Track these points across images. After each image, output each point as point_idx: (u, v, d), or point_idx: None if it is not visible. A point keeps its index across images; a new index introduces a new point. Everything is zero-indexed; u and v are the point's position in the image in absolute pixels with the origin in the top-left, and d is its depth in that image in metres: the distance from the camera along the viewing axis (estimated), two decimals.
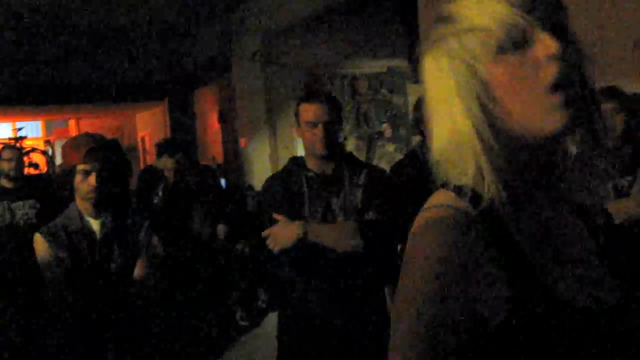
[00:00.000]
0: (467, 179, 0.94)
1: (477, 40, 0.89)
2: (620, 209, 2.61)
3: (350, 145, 7.06)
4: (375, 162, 6.92)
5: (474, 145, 0.91)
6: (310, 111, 2.58)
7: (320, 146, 2.56)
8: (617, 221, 2.51)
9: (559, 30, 0.87)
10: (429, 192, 3.18)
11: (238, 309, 5.59)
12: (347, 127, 7.11)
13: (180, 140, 6.91)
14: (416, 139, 3.20)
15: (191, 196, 5.16)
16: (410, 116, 3.52)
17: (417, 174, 3.20)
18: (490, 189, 0.91)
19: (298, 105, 2.65)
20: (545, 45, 0.85)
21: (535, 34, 0.86)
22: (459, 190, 0.96)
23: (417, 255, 0.93)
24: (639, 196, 2.72)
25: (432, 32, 0.99)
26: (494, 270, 0.90)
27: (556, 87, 0.85)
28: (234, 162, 8.27)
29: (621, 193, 2.78)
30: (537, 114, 0.87)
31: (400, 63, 7.17)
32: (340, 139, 2.75)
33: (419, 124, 3.24)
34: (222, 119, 8.66)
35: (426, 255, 0.91)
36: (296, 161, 2.75)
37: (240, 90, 7.68)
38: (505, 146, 0.90)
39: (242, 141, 7.73)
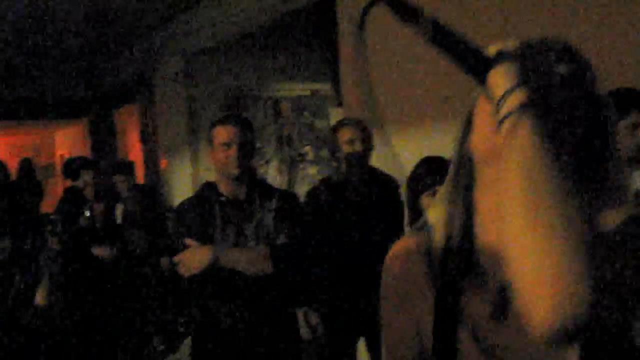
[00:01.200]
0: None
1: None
2: None
3: (273, 168, 7.07)
4: (297, 185, 6.95)
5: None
6: (223, 133, 2.61)
7: (234, 166, 2.60)
8: None
9: None
10: (344, 217, 3.22)
11: (157, 333, 5.46)
12: (269, 149, 7.13)
13: (93, 159, 6.77)
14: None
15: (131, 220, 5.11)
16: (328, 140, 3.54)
17: (332, 199, 3.23)
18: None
19: (211, 128, 2.68)
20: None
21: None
22: (420, 228, 1.10)
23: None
24: None
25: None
26: (429, 296, 1.01)
27: None
28: (155, 182, 8.13)
29: None
30: None
31: (323, 87, 7.25)
32: (252, 163, 2.77)
33: (335, 149, 3.27)
34: (144, 138, 8.51)
35: (381, 283, 1.11)
36: (209, 186, 2.76)
37: (162, 110, 7.58)
38: None
39: (163, 162, 7.61)
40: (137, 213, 5.20)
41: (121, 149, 9.90)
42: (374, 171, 3.34)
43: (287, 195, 2.83)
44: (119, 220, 5.18)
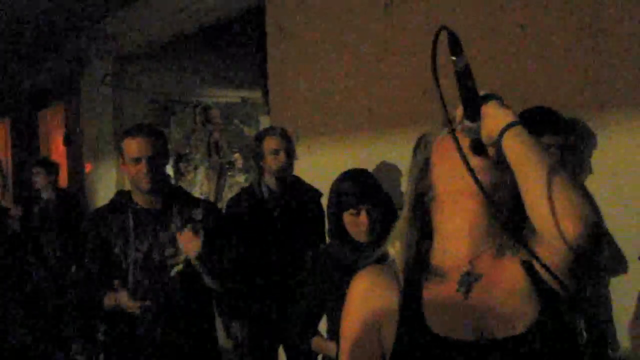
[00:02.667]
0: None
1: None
2: None
3: (201, 175, 7.00)
4: (225, 192, 6.91)
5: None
6: (133, 146, 2.52)
7: (145, 182, 2.53)
8: None
9: None
10: (265, 226, 3.19)
11: (75, 341, 5.30)
12: (198, 156, 7.06)
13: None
14: None
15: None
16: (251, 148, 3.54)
17: (253, 208, 3.23)
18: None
19: (121, 140, 2.59)
20: None
21: None
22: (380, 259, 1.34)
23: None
24: None
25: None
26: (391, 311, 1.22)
27: None
28: (78, 186, 7.92)
29: None
30: None
31: (253, 94, 7.24)
32: (166, 173, 2.74)
33: (258, 157, 3.27)
34: (68, 141, 8.29)
35: (348, 296, 1.32)
36: (122, 194, 2.71)
37: (88, 113, 7.40)
38: None
39: (88, 166, 7.42)
40: (56, 217, 5.08)
41: (44, 151, 9.61)
42: (297, 181, 3.36)
43: (212, 209, 2.80)
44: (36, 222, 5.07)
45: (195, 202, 2.78)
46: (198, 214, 2.63)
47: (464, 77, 1.23)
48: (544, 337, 1.10)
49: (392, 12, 3.57)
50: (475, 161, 1.18)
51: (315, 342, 2.43)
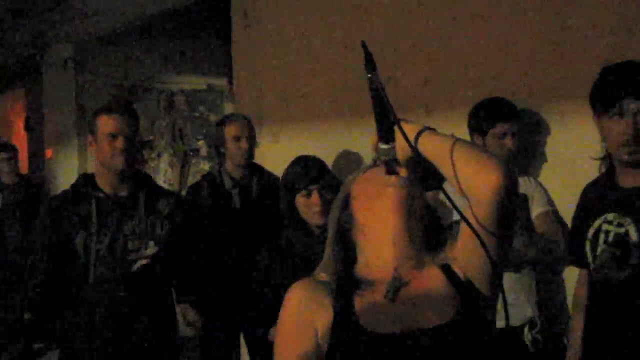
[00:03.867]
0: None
1: None
2: None
3: (164, 162, 6.93)
4: (189, 180, 6.85)
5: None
6: (110, 122, 2.43)
7: (120, 160, 2.43)
8: None
9: None
10: (225, 214, 3.14)
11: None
12: (161, 143, 6.99)
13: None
14: None
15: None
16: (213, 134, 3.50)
17: (213, 196, 3.21)
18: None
19: (95, 117, 2.49)
20: None
21: None
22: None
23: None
24: None
25: None
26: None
27: None
28: (39, 172, 7.78)
29: None
30: None
31: (219, 81, 7.19)
32: (138, 157, 2.68)
33: (219, 144, 3.25)
34: (29, 126, 8.13)
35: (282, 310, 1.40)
36: (86, 179, 2.58)
37: (50, 97, 7.27)
38: None
39: (49, 151, 7.30)
40: (16, 204, 4.99)
41: (4, 136, 9.42)
42: (258, 168, 3.35)
43: (180, 201, 2.75)
44: None
45: (163, 193, 2.70)
46: (165, 209, 2.58)
47: (376, 99, 1.32)
48: (463, 328, 1.22)
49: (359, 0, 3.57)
50: (391, 179, 1.35)
51: (274, 330, 2.42)
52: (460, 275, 1.30)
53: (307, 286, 1.39)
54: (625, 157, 1.92)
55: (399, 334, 1.21)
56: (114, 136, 2.43)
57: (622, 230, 1.90)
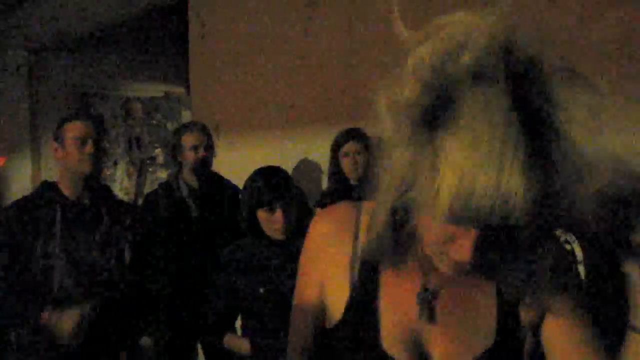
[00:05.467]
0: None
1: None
2: None
3: (121, 170, 6.84)
4: (146, 189, 6.77)
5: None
6: (79, 128, 2.44)
7: (88, 164, 2.42)
8: None
9: None
10: (183, 223, 3.10)
11: None
12: (118, 151, 6.90)
13: None
14: None
15: None
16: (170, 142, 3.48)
17: (170, 205, 3.19)
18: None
19: (62, 124, 2.48)
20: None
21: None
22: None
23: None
24: None
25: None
26: (342, 267, 1.05)
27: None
28: None
29: None
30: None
31: (177, 89, 7.14)
32: (103, 166, 2.67)
33: (176, 153, 3.23)
34: None
35: (305, 240, 1.14)
36: (50, 186, 2.54)
37: (2, 105, 7.10)
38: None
39: (2, 159, 7.13)
40: None
41: None
42: (216, 177, 3.34)
43: (138, 215, 2.73)
44: None
45: (123, 206, 2.69)
46: (127, 220, 2.56)
47: None
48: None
49: (314, 9, 3.59)
50: None
51: (228, 339, 2.42)
52: (521, 321, 1.03)
53: (334, 217, 1.10)
54: None
55: None
56: (83, 141, 2.44)
57: (568, 247, 1.95)
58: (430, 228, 0.87)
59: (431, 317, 1.01)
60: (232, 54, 4.14)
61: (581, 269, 1.89)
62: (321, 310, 1.08)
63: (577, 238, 1.91)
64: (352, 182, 3.12)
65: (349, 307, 1.02)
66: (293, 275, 2.27)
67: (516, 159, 0.71)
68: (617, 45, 2.40)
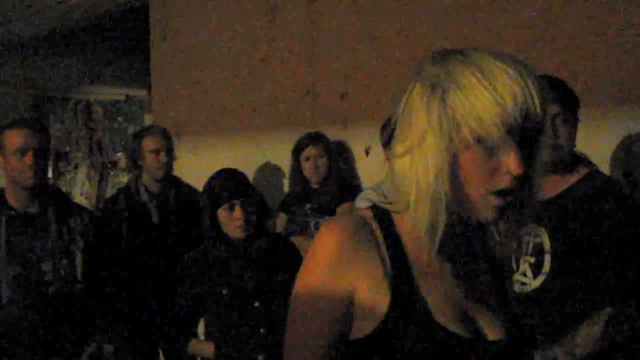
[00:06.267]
0: (399, 205, 1.04)
1: (462, 119, 0.95)
2: None
3: (81, 174, 6.76)
4: (107, 193, 6.70)
5: (432, 192, 0.97)
6: (18, 138, 2.35)
7: (29, 176, 2.35)
8: None
9: (527, 139, 0.98)
10: (143, 228, 3.06)
11: None
12: (78, 155, 6.81)
13: None
14: None
15: None
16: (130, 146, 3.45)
17: (130, 210, 3.17)
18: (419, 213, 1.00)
19: (2, 133, 2.39)
20: (510, 163, 0.94)
21: (506, 146, 0.95)
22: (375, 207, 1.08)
23: (312, 250, 1.04)
24: None
25: (438, 63, 1.02)
26: (377, 271, 1.01)
27: (499, 193, 0.97)
28: None
29: None
30: (478, 204, 0.98)
31: (139, 92, 7.08)
32: (48, 172, 2.60)
33: (136, 157, 3.21)
34: None
35: (317, 250, 1.03)
36: None
37: None
38: (450, 203, 0.99)
39: None
40: None
41: None
42: (176, 182, 3.33)
43: (91, 217, 2.67)
44: None
45: (76, 209, 2.63)
46: (77, 226, 2.51)
47: None
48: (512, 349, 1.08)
49: (276, 14, 3.61)
50: None
51: (192, 344, 2.42)
52: None
53: (352, 227, 1.03)
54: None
55: (471, 340, 1.02)
56: (22, 151, 2.34)
57: (538, 240, 2.00)
58: (475, 175, 0.97)
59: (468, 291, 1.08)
60: (193, 57, 4.13)
61: (547, 258, 1.94)
62: (348, 321, 1.02)
63: (546, 229, 1.97)
64: (314, 185, 3.14)
65: (394, 305, 1.00)
66: (255, 275, 2.30)
67: None
68: None
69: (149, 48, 4.53)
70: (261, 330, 2.26)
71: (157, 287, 3.11)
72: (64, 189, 5.98)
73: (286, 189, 3.41)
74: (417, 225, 1.00)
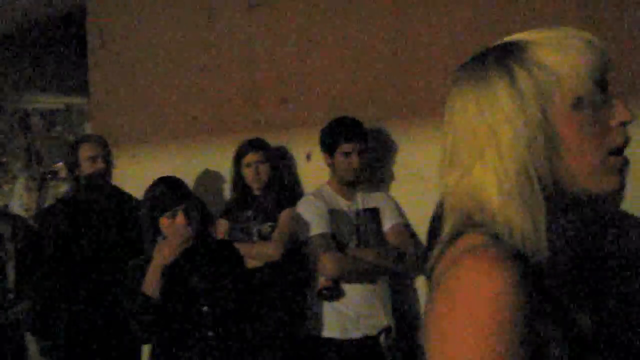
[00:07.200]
0: (493, 224, 0.86)
1: (555, 85, 0.85)
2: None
3: (20, 185, 6.57)
4: (47, 203, 6.53)
5: (519, 188, 0.84)
6: None
7: None
8: None
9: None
10: (82, 238, 3.00)
11: None
12: (16, 165, 6.63)
13: None
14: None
15: None
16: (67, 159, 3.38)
17: (69, 219, 3.10)
18: (529, 235, 0.84)
19: None
20: (619, 111, 0.86)
21: (605, 98, 0.87)
22: (495, 235, 0.85)
23: (473, 300, 0.78)
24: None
25: (483, 56, 0.91)
26: (550, 312, 0.83)
27: (618, 151, 0.87)
28: None
29: (264, 237, 3.02)
30: (597, 173, 0.86)
31: (78, 100, 6.93)
32: None
33: (73, 166, 3.15)
34: None
35: (489, 297, 0.77)
36: None
37: None
38: (549, 197, 0.86)
39: None
40: None
41: None
42: (115, 190, 3.27)
43: (19, 223, 2.62)
44: None
45: (3, 216, 2.59)
46: (5, 230, 2.46)
47: None
48: None
49: (215, 20, 3.59)
50: None
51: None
52: None
53: (516, 266, 0.80)
54: None
55: None
56: None
57: None
58: (587, 140, 0.86)
59: None
60: (132, 64, 4.07)
61: None
62: None
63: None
64: (255, 191, 3.13)
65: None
66: (201, 280, 2.28)
67: None
68: None
69: (87, 55, 4.45)
70: (209, 334, 2.27)
71: (96, 297, 3.05)
72: (0, 202, 5.82)
73: (228, 196, 3.39)
74: (514, 233, 0.84)
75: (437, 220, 2.28)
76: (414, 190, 2.85)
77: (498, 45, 0.91)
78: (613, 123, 0.86)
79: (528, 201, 0.84)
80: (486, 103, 0.86)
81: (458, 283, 0.80)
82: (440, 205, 0.93)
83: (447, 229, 0.91)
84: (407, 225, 2.84)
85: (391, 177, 2.95)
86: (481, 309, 0.77)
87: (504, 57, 0.88)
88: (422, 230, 2.79)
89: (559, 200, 0.88)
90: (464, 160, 0.89)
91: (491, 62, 0.88)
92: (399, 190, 2.93)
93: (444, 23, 2.69)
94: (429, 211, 2.41)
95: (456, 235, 0.88)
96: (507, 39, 0.92)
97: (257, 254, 2.92)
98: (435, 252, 0.89)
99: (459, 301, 0.79)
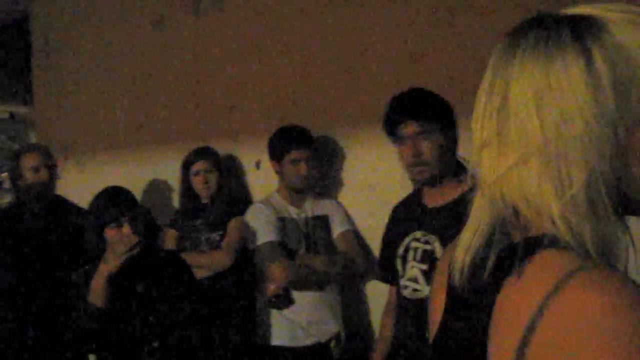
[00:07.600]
0: (556, 232, 0.73)
1: (635, 81, 0.71)
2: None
3: None
4: None
5: (585, 193, 0.72)
6: None
7: None
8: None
9: None
10: (25, 249, 2.91)
11: None
12: None
13: None
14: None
15: None
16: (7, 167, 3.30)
17: (11, 231, 3.03)
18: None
19: None
20: None
21: None
22: (579, 249, 0.72)
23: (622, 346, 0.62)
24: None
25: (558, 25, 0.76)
26: None
27: None
28: None
29: (213, 246, 3.00)
30: None
31: (22, 109, 6.77)
32: None
33: (15, 176, 3.06)
34: None
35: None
36: None
37: None
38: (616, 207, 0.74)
39: None
40: None
41: None
42: (59, 200, 3.20)
43: None
44: None
45: None
46: None
47: None
48: None
49: (162, 28, 3.56)
50: None
51: None
52: None
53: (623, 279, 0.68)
54: (413, 177, 2.09)
55: None
56: None
57: (429, 247, 2.05)
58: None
59: None
60: (78, 72, 4.00)
61: None
62: None
63: (437, 237, 2.02)
64: (204, 200, 3.10)
65: None
66: (147, 291, 2.25)
67: None
68: None
69: (29, 64, 4.35)
70: (154, 344, 2.24)
71: (43, 308, 2.98)
72: None
73: (176, 205, 3.36)
74: (587, 246, 0.71)
75: (393, 225, 2.28)
76: (362, 197, 2.87)
77: (571, 18, 0.77)
78: None
79: (597, 209, 0.72)
80: (558, 87, 0.73)
81: (588, 327, 0.64)
82: (471, 190, 0.84)
83: (487, 219, 0.82)
84: (355, 232, 2.85)
85: (339, 184, 2.96)
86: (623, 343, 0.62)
87: (582, 35, 0.74)
88: (370, 237, 2.82)
89: (622, 210, 0.76)
90: (520, 147, 0.75)
91: (568, 38, 0.74)
92: (347, 197, 2.94)
93: (391, 30, 2.72)
94: (377, 218, 2.44)
95: (527, 249, 0.75)
96: (576, 10, 0.78)
97: (206, 263, 2.90)
98: (491, 263, 0.78)
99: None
